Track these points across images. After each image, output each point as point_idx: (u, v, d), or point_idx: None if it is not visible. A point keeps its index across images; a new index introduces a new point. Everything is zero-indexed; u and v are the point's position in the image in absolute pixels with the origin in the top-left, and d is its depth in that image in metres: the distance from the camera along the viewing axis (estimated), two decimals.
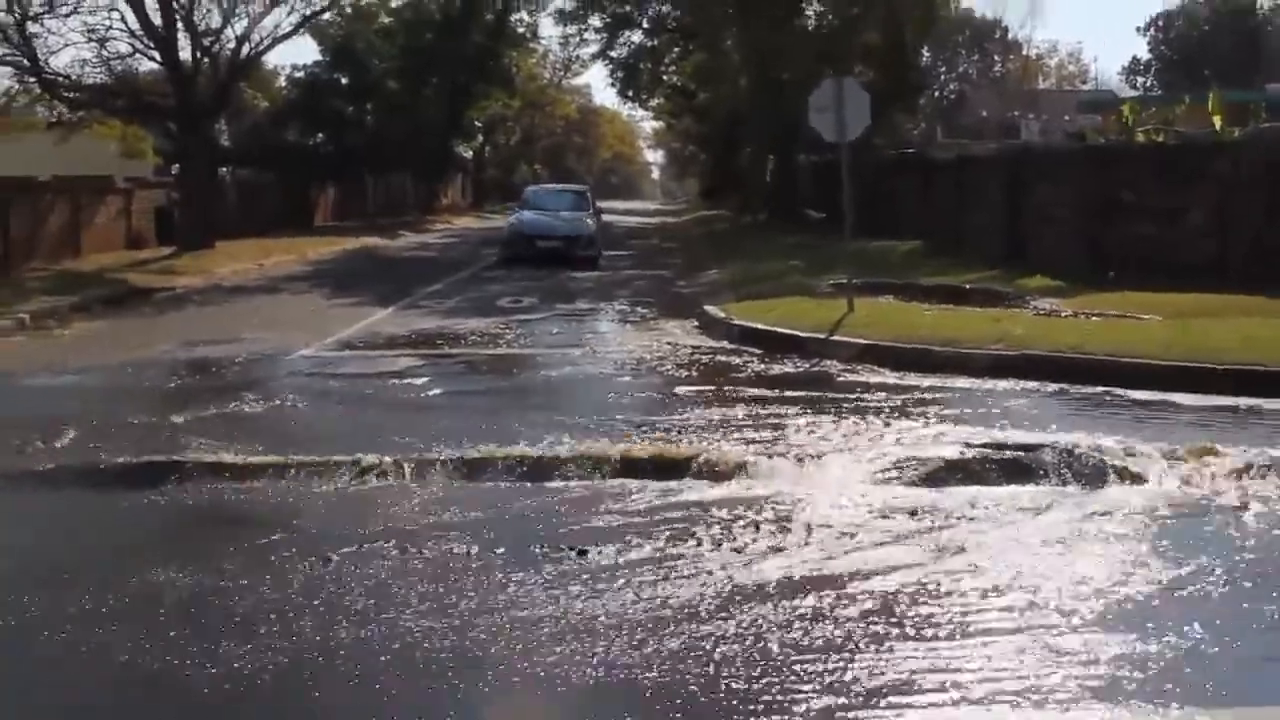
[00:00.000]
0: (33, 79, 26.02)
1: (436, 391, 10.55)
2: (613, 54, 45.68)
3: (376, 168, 47.51)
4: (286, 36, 30.40)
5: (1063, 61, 73.79)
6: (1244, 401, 9.30)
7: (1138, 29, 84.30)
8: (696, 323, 14.97)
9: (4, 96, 28.07)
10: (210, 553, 5.99)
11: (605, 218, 36.58)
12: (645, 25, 43.47)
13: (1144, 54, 70.91)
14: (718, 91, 40.31)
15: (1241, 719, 4.09)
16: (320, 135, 46.33)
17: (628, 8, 42.72)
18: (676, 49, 45.03)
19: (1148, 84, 64.13)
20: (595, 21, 44.21)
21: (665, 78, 48.52)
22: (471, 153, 61.72)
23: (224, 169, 35.57)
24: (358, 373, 11.61)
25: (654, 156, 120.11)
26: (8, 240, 23.01)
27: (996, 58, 70.34)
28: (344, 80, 47.07)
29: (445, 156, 52.04)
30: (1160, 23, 68.34)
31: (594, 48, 47.33)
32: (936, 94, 60.21)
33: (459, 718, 4.26)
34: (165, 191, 29.68)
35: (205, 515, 6.78)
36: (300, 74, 48.36)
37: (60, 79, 26.53)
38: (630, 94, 49.78)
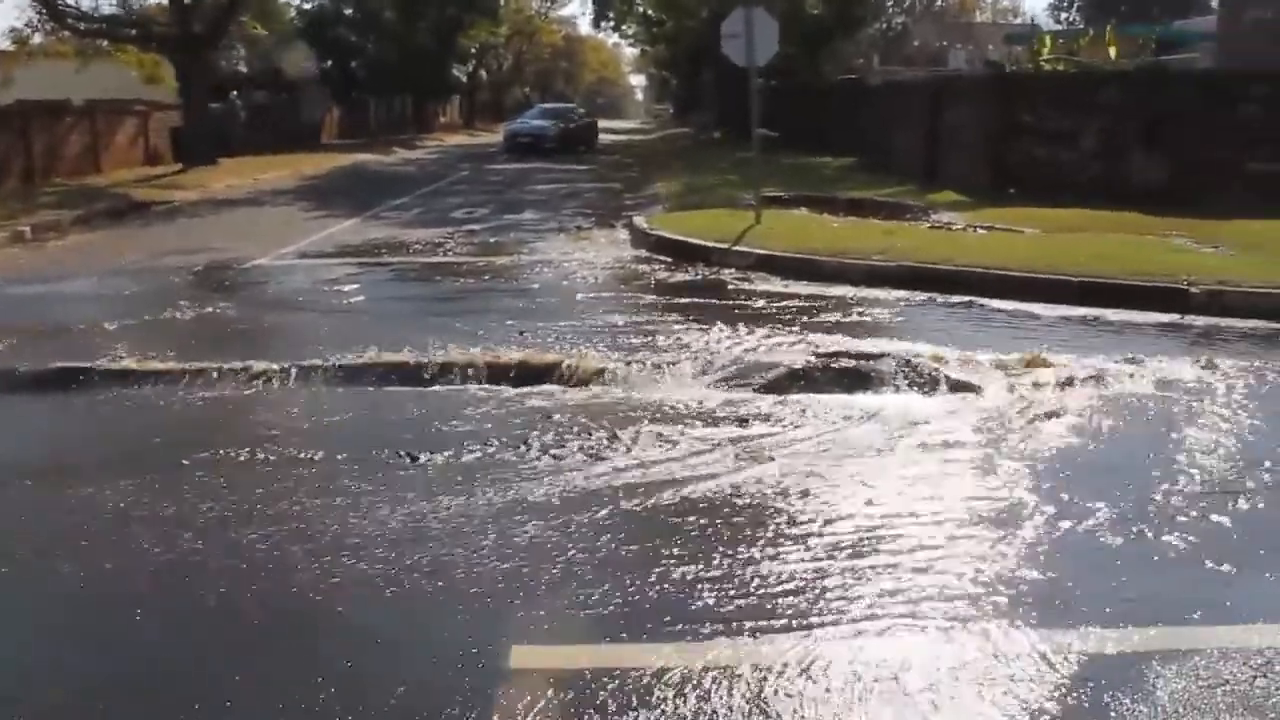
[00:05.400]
0: (44, 10, 24.96)
1: (359, 299, 9.96)
2: None
3: (377, 90, 46.34)
4: None
5: None
6: (1091, 311, 8.81)
7: None
8: (625, 233, 14.35)
9: (27, 28, 27.13)
10: (72, 455, 5.53)
11: None
12: None
13: None
14: (681, 22, 39.09)
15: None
16: (328, 61, 45.09)
17: None
18: None
19: (1071, 19, 62.20)
20: None
21: (638, 7, 46.95)
22: (466, 76, 60.08)
23: (235, 92, 34.34)
24: (297, 281, 11.02)
25: (637, 80, 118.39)
26: (30, 157, 22.40)
27: None
28: (347, 11, 45.81)
29: (439, 80, 50.74)
30: None
31: None
32: (884, 26, 58.39)
33: (237, 624, 3.80)
34: (181, 113, 28.77)
35: (87, 419, 6.28)
36: (308, 6, 46.95)
37: (70, 9, 25.43)
38: (602, 24, 48.26)
